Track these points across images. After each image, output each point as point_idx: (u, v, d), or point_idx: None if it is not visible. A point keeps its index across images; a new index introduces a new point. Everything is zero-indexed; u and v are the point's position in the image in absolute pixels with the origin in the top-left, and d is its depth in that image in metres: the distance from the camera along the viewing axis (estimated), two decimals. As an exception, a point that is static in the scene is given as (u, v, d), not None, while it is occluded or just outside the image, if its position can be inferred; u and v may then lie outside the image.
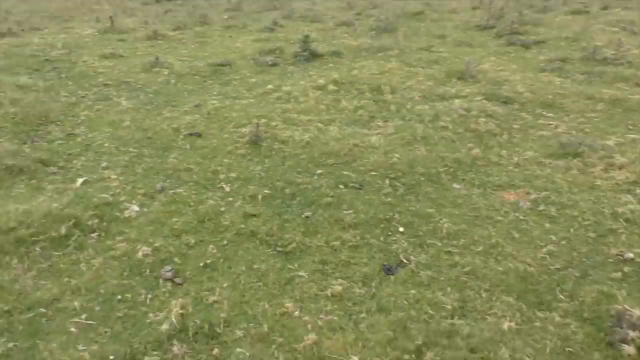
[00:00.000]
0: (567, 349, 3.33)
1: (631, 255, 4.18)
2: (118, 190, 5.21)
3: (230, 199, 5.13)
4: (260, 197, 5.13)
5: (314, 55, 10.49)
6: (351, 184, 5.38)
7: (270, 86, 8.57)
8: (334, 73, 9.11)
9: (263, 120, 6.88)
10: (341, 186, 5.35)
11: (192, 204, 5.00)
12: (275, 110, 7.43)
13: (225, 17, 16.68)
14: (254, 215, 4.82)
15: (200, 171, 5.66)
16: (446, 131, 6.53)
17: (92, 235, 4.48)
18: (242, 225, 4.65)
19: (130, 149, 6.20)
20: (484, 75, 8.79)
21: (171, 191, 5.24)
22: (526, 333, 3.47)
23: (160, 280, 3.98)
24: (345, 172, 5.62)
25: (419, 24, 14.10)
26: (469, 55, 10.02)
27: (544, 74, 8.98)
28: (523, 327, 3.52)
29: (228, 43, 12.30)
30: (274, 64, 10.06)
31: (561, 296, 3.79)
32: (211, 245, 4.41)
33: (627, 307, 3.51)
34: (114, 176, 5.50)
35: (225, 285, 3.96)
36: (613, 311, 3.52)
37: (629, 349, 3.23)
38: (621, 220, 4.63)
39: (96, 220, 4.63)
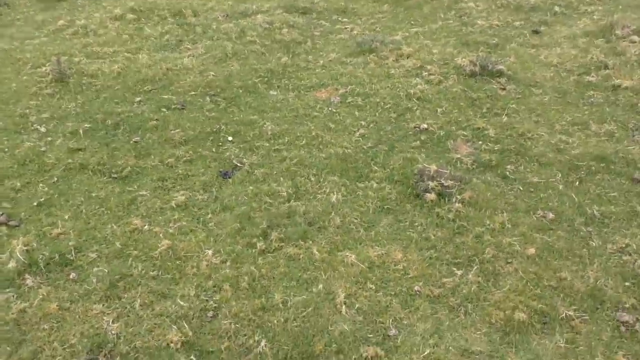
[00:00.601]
0: (385, 206, 4.00)
1: (425, 125, 4.97)
2: None
3: (49, 138, 4.89)
4: (81, 131, 4.97)
5: (104, -14, 9.80)
6: (173, 106, 5.45)
7: (61, 22, 7.92)
8: (129, 2, 8.66)
9: (64, 58, 6.45)
10: (164, 109, 5.39)
11: (6, 150, 4.68)
12: (75, 46, 6.97)
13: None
14: (79, 150, 4.70)
15: (5, 117, 5.23)
16: (254, 45, 6.79)
17: None
18: (70, 160, 4.53)
19: None
20: (280, -10, 9.09)
21: (-23, 141, 4.83)
22: (352, 201, 4.06)
23: (-7, 227, 3.80)
24: (164, 96, 5.64)
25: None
26: (263, -28, 10.18)
27: (334, -16, 9.57)
28: (348, 197, 4.10)
29: (-3, -19, 10.85)
30: (60, -1, 9.22)
31: (375, 168, 4.44)
32: (40, 185, 4.26)
33: (426, 165, 4.27)
34: None
35: (66, 217, 3.91)
36: (416, 170, 4.26)
37: (430, 196, 3.99)
38: (414, 99, 5.42)
39: None
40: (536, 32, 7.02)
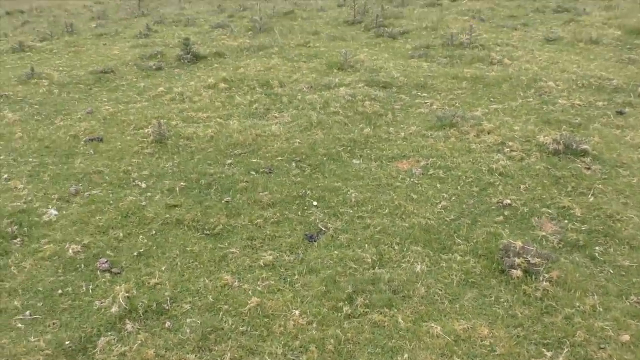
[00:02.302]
0: (470, 280, 4.00)
1: (508, 201, 4.99)
2: (30, 198, 5.14)
3: (149, 194, 5.28)
4: (177, 189, 5.34)
5: (197, 57, 10.65)
6: (261, 170, 5.75)
7: (161, 88, 8.64)
8: (221, 72, 9.37)
9: (163, 121, 7.00)
10: (252, 172, 5.70)
11: (111, 202, 5.09)
12: (172, 111, 7.56)
13: (94, 25, 16.10)
14: (175, 206, 5.03)
15: (111, 172, 5.71)
16: (338, 115, 7.12)
17: (15, 241, 4.44)
18: (167, 215, 4.85)
19: (30, 159, 6.05)
20: (361, 65, 9.55)
21: (86, 193, 5.27)
22: (435, 272, 4.09)
23: (98, 272, 4.10)
24: (253, 160, 5.98)
25: (292, 22, 14.70)
26: (344, 48, 10.75)
27: (412, 60, 9.96)
28: (432, 268, 4.15)
29: (104, 51, 12.01)
30: (159, 68, 10.08)
31: (459, 240, 4.48)
32: (141, 236, 4.57)
33: (511, 241, 4.27)
34: (20, 185, 5.39)
35: (163, 268, 4.17)
36: (501, 246, 4.26)
37: (516, 273, 3.96)
38: (496, 174, 5.47)
39: (15, 227, 4.59)
40: (620, 112, 6.97)
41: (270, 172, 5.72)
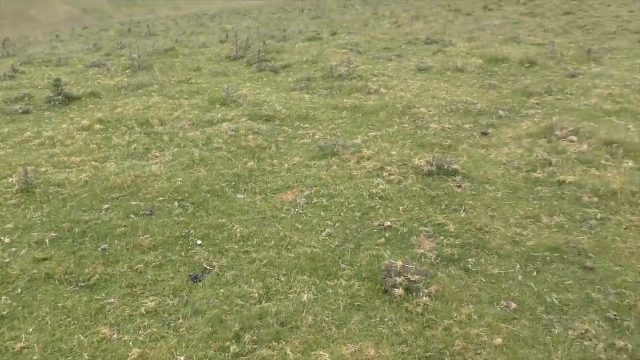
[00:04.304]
0: (355, 303, 4.07)
1: (389, 223, 5.18)
2: None
3: (13, 249, 4.86)
4: (47, 240, 4.97)
5: (70, 98, 10.13)
6: (142, 212, 5.53)
7: (28, 133, 8.08)
8: (97, 113, 8.97)
9: (30, 168, 6.53)
10: (132, 215, 5.46)
11: (-31, 261, 4.62)
12: (41, 156, 7.09)
13: (-49, 68, 14.83)
14: (45, 259, 4.67)
15: (-31, 228, 5.20)
16: (221, 151, 7.05)
17: None
18: (35, 271, 4.49)
19: None
20: (244, 99, 9.59)
21: (-61, 253, 4.75)
22: (322, 300, 4.12)
23: (-46, 343, 3.67)
24: (133, 202, 5.73)
25: (173, 59, 14.50)
26: (226, 83, 10.75)
27: (294, 93, 10.17)
28: (319, 295, 4.17)
29: (-37, 95, 11.06)
30: (26, 111, 9.45)
31: (343, 265, 4.56)
32: (3, 297, 4.19)
33: (392, 261, 4.41)
34: None
35: (30, 330, 3.83)
36: (383, 267, 4.39)
37: (398, 291, 4.09)
38: (377, 198, 5.67)
39: None
40: (485, 133, 7.56)
41: (151, 214, 5.51)
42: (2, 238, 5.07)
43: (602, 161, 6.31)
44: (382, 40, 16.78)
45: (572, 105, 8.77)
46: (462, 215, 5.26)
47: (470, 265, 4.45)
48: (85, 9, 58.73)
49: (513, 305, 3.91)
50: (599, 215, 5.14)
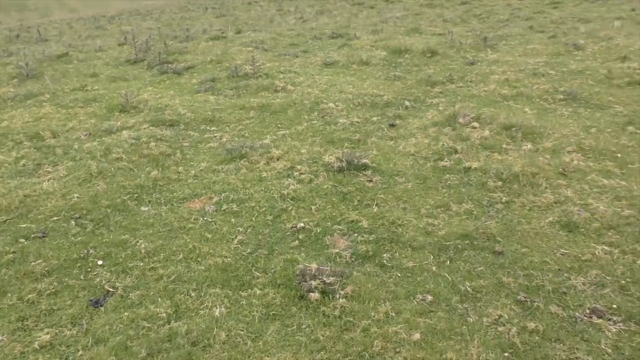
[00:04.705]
0: (271, 313, 3.89)
1: (302, 224, 5.04)
2: None
3: None
4: None
5: (-51, 114, 9.19)
6: (33, 235, 5.05)
7: None
8: (-21, 129, 8.18)
9: None
10: (22, 240, 4.97)
11: None
12: None
13: None
14: None
15: None
16: (121, 162, 6.62)
17: None
18: None
19: None
20: (145, 105, 9.11)
21: None
22: (236, 312, 3.91)
23: None
24: (22, 225, 5.23)
25: (66, 65, 13.58)
26: (125, 88, 10.19)
27: (199, 95, 9.80)
28: (232, 308, 3.96)
29: None
30: None
31: (257, 273, 4.36)
32: None
33: (307, 265, 4.28)
34: None
35: None
36: (298, 271, 4.24)
37: (314, 295, 3.97)
38: (288, 199, 5.52)
39: None
40: (392, 125, 7.61)
41: (44, 236, 5.04)
42: None
43: (504, 145, 6.53)
44: (288, 37, 16.65)
45: (473, 92, 9.06)
46: (375, 210, 5.22)
47: (385, 261, 4.40)
48: (-32, 16, 54.28)
49: (429, 297, 3.90)
50: (504, 199, 5.27)
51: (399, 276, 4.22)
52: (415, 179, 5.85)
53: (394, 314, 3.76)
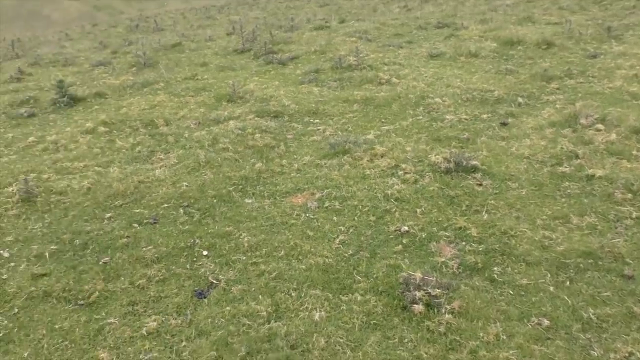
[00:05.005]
0: (372, 322, 3.76)
1: (406, 228, 4.85)
2: None
3: (12, 264, 4.63)
4: (47, 254, 4.74)
5: (75, 100, 9.90)
6: (145, 221, 5.26)
7: (32, 138, 7.86)
8: (101, 114, 8.72)
9: (32, 175, 6.31)
10: (135, 225, 5.20)
11: (-37, 281, 4.40)
12: (45, 163, 6.86)
13: (-42, 71, 14.71)
14: (44, 275, 4.44)
15: (-35, 244, 4.99)
16: (227, 152, 6.75)
17: None
18: (33, 288, 4.25)
19: None
20: (251, 95, 9.26)
21: None
22: (336, 318, 3.81)
23: (-58, 375, 3.45)
24: (136, 210, 5.47)
25: (179, 55, 14.19)
26: (232, 78, 10.42)
27: (303, 86, 9.82)
28: (332, 313, 3.87)
29: (-32, 99, 10.89)
30: (31, 115, 9.24)
31: (358, 277, 4.24)
32: (0, 318, 3.94)
33: (411, 273, 4.09)
34: None
35: (26, 355, 3.60)
36: (401, 279, 4.07)
37: (419, 308, 3.78)
38: (392, 200, 5.34)
39: None
40: (504, 124, 7.16)
41: (155, 223, 5.24)
42: (2, 252, 4.85)
43: (634, 152, 5.89)
44: (392, 27, 16.29)
45: (596, 89, 8.31)
46: (485, 217, 4.91)
47: (496, 275, 4.11)
48: (97, 6, 58.54)
49: (545, 322, 3.57)
50: (634, 214, 4.74)
51: (511, 294, 3.91)
52: (529, 185, 5.43)
53: (505, 337, 3.48)
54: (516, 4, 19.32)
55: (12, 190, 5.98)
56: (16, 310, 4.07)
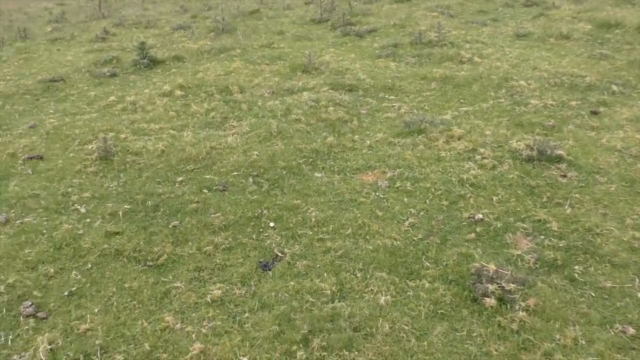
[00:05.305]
0: (439, 311, 3.60)
1: (480, 215, 4.62)
2: (-49, 231, 4.60)
3: (88, 220, 4.78)
4: (121, 213, 4.86)
5: (155, 62, 10.12)
6: (215, 187, 5.30)
7: (112, 98, 8.10)
8: (178, 78, 8.86)
9: (111, 134, 6.50)
10: (205, 190, 5.24)
11: (44, 231, 4.58)
12: (123, 122, 7.05)
13: (49, 29, 15.39)
14: (117, 233, 4.55)
15: (48, 196, 5.20)
16: (300, 123, 6.68)
17: None
18: (106, 246, 4.37)
19: (-42, 183, 5.50)
20: (326, 67, 9.12)
21: (18, 221, 4.75)
22: (401, 303, 3.69)
23: (21, 318, 3.61)
24: (207, 176, 5.52)
25: (257, 22, 14.21)
26: (309, 48, 10.31)
27: (380, 60, 9.56)
28: (398, 298, 3.74)
29: (57, 57, 11.38)
30: (113, 75, 9.53)
31: (427, 263, 4.08)
32: (74, 272, 4.09)
33: (484, 264, 3.89)
34: (-58, 216, 4.84)
35: (96, 310, 3.70)
36: (473, 270, 3.88)
37: (490, 301, 3.58)
38: (467, 185, 5.10)
39: None
40: (595, 113, 6.67)
41: (224, 190, 5.26)
42: (79, 207, 5.02)
43: None
44: (476, 2, 15.54)
45: (702, 82, 7.59)
46: (568, 211, 4.59)
47: (577, 275, 3.83)
48: (178, -31, 59.58)
49: (631, 330, 3.29)
50: None
51: (592, 296, 3.64)
52: (620, 181, 5.03)
53: (584, 342, 3.24)
54: (614, -16, 17.97)
55: (92, 147, 6.18)
56: (89, 265, 4.20)
